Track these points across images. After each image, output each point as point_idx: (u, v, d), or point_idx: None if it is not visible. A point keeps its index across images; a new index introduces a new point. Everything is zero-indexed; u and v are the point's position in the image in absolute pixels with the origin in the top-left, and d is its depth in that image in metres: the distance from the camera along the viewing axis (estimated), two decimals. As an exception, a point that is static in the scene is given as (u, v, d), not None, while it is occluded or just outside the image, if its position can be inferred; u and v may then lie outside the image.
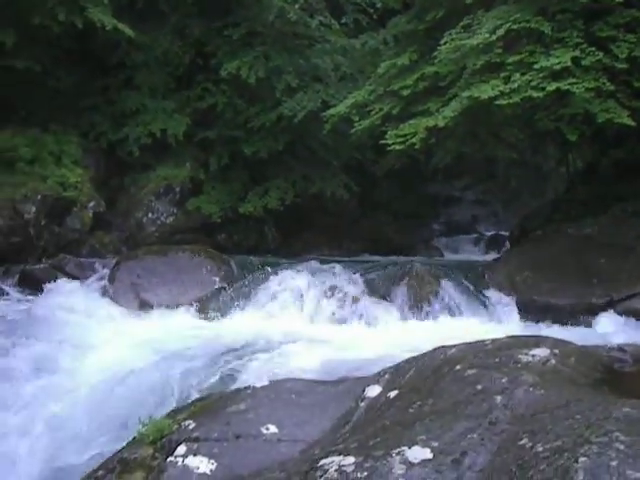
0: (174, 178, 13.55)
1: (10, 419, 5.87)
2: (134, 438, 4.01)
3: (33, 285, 9.82)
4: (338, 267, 9.96)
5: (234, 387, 5.36)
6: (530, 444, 3.34)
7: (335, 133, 12.82)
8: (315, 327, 8.76)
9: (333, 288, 9.45)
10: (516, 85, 8.47)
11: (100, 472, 3.76)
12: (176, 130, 13.41)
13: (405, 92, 10.41)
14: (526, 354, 4.47)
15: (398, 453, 3.33)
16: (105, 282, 9.94)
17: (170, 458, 3.65)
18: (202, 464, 3.66)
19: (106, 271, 10.33)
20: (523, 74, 8.54)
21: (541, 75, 8.36)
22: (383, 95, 11.06)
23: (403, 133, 9.92)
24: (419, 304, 9.33)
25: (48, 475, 5.12)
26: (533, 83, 8.35)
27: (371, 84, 11.51)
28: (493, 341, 4.92)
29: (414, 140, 9.69)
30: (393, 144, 9.98)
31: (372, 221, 15.99)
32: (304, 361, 6.19)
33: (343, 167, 14.72)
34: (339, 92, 13.56)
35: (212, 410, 4.24)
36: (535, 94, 8.28)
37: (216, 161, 13.88)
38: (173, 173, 13.63)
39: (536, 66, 8.39)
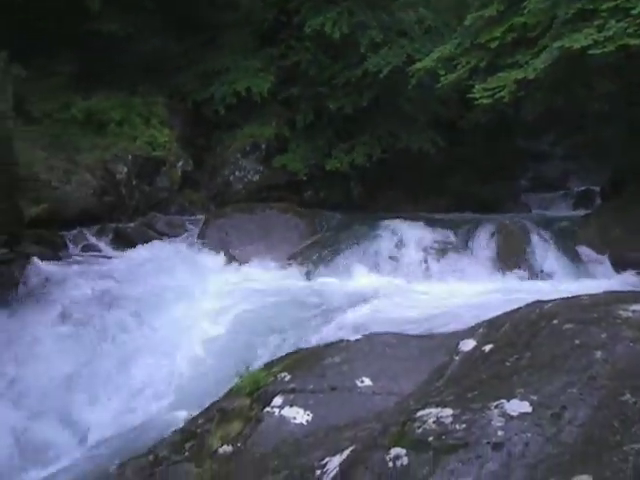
0: (260, 136, 13.63)
1: (117, 369, 6.12)
2: (232, 389, 4.11)
3: (126, 243, 10.09)
4: (426, 223, 9.89)
5: (327, 341, 5.41)
6: (633, 400, 3.26)
7: (421, 88, 12.61)
8: (405, 282, 8.76)
9: (421, 244, 9.40)
10: (611, 33, 8.15)
11: (200, 420, 3.87)
12: (261, 88, 13.43)
13: (493, 44, 10.18)
14: (625, 310, 4.34)
15: (496, 406, 3.30)
16: (195, 239, 10.15)
17: (267, 409, 3.72)
18: (298, 415, 3.72)
19: (195, 228, 10.54)
20: (618, 21, 8.20)
21: (638, 21, 8.01)
22: (470, 48, 10.83)
23: (491, 86, 9.72)
24: (508, 260, 9.20)
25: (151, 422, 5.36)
26: (630, 30, 8.02)
27: (457, 37, 11.28)
28: (590, 297, 4.80)
29: (502, 93, 9.49)
30: (480, 98, 9.80)
31: (458, 177, 15.74)
32: (397, 315, 6.21)
33: (429, 122, 14.50)
34: (424, 46, 13.29)
35: (307, 363, 4.30)
36: (632, 42, 7.95)
37: (301, 118, 13.87)
38: (259, 131, 13.70)
39: (633, 12, 8.05)
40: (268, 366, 4.28)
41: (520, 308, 4.83)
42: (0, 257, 7.63)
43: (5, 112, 8.92)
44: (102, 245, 10.13)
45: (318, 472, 3.11)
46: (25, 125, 11.10)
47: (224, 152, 13.56)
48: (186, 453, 3.62)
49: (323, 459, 3.23)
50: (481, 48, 10.49)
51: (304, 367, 4.24)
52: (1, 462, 5.39)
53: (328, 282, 8.78)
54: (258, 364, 4.35)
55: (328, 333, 6.27)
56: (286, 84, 13.95)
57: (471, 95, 9.97)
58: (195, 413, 4.08)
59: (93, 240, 10.22)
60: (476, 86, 9.97)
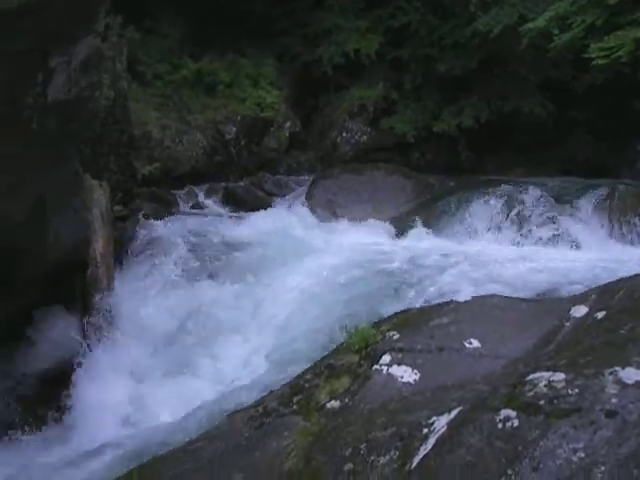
0: (367, 98, 13.57)
1: (229, 318, 6.34)
2: (340, 346, 4.16)
3: (235, 202, 10.30)
4: (535, 188, 9.65)
5: (432, 302, 5.40)
6: None
7: (533, 48, 12.24)
8: (512, 247, 8.62)
9: (530, 208, 9.19)
10: None
11: (308, 376, 3.94)
12: (369, 49, 13.35)
13: (611, 1, 9.76)
14: None
15: (610, 373, 3.21)
16: (302, 199, 10.24)
17: (375, 366, 3.74)
18: (406, 373, 3.73)
19: (302, 189, 10.64)
20: None
21: None
22: (586, 5, 10.41)
23: (608, 46, 9.36)
24: (622, 227, 8.90)
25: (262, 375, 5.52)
26: None
27: (572, -6, 10.87)
28: None
29: (620, 53, 9.13)
30: (596, 58, 9.46)
31: (570, 141, 15.24)
32: (505, 279, 6.13)
33: (540, 84, 14.08)
34: (537, 5, 12.83)
35: (415, 322, 4.30)
36: None
37: (409, 80, 13.72)
38: (366, 93, 13.64)
39: None
40: (377, 324, 4.30)
41: (637, 275, 4.67)
42: (115, 213, 7.91)
43: (120, 73, 9.18)
44: (211, 203, 10.39)
45: (425, 430, 3.11)
46: (139, 86, 11.41)
47: (332, 113, 13.58)
48: (294, 406, 3.69)
49: (430, 418, 3.24)
50: (598, 5, 10.08)
51: (412, 327, 4.24)
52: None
53: (433, 244, 8.73)
54: (365, 322, 4.37)
55: (433, 294, 6.25)
56: (394, 45, 13.81)
57: (586, 55, 9.61)
58: (303, 368, 4.16)
59: (203, 198, 10.50)
60: (592, 46, 9.61)
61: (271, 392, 3.97)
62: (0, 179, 5.57)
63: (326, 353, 4.20)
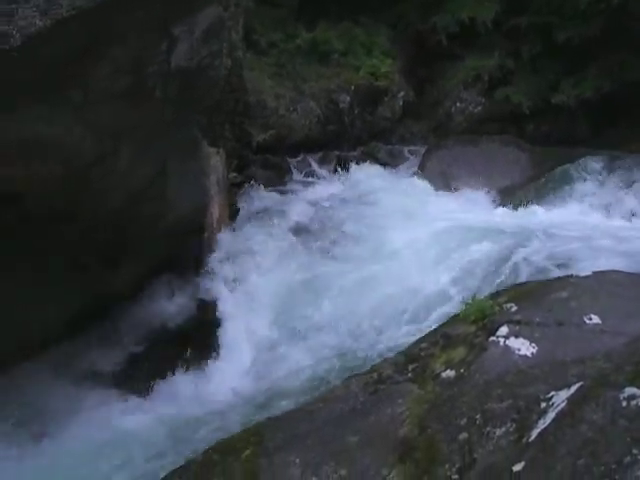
0: (482, 67, 13.25)
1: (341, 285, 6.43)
2: (456, 315, 4.15)
3: (347, 170, 10.32)
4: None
5: (547, 276, 5.30)
6: None
7: (660, 15, 11.67)
8: (628, 224, 8.33)
9: (646, 186, 8.85)
10: None
11: (423, 344, 3.95)
12: (485, 17, 13.01)
13: None
14: None
15: None
16: (415, 169, 10.18)
17: (492, 338, 3.72)
18: (523, 346, 3.68)
19: (416, 159, 10.57)
20: None
21: None
22: None
23: None
24: None
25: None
26: None
27: None
28: None
29: None
30: None
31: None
32: (622, 255, 5.94)
33: (668, 52, 13.42)
34: (667, -32, 12.22)
35: (532, 296, 4.23)
36: None
37: (527, 49, 13.29)
38: (482, 62, 13.32)
39: None
40: (493, 296, 4.26)
41: None
42: (231, 180, 8.08)
43: (236, 42, 9.31)
44: (324, 172, 10.45)
45: (544, 404, 3.08)
46: (253, 55, 11.54)
47: (446, 83, 13.36)
48: (409, 374, 3.71)
49: (549, 392, 3.19)
50: None
51: (530, 300, 4.18)
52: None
53: (547, 217, 8.53)
54: (478, 293, 4.34)
55: (548, 268, 6.13)
56: (512, 13, 13.42)
57: None
58: (418, 336, 4.17)
59: (315, 167, 10.57)
60: None
61: (385, 359, 4.00)
62: (125, 146, 5.78)
63: (441, 322, 4.19)
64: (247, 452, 3.28)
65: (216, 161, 7.31)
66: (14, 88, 4.76)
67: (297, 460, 3.14)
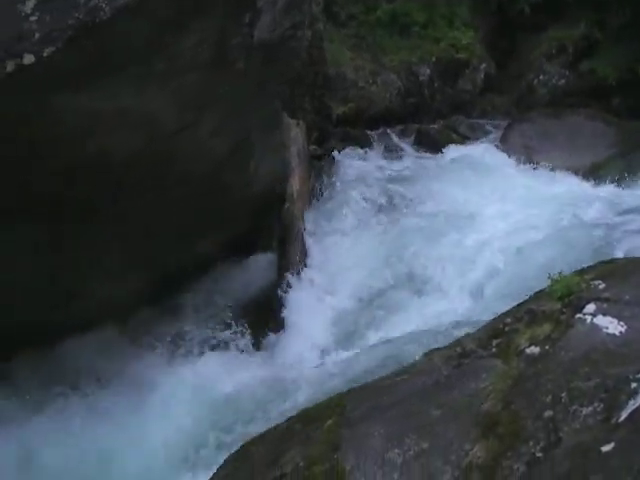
0: (567, 38, 12.89)
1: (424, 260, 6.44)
2: (542, 292, 4.07)
3: (428, 144, 10.23)
4: None
5: (638, 253, 5.16)
6: None
7: None
8: None
9: None
10: None
11: (508, 319, 3.89)
12: (571, -15, 12.65)
13: None
14: None
15: None
16: (496, 143, 10.02)
17: (578, 315, 3.63)
18: (611, 325, 3.59)
19: (497, 133, 10.39)
20: None
21: None
22: None
23: None
24: None
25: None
26: None
27: None
28: None
29: None
30: None
31: None
32: None
33: None
34: None
35: (622, 273, 4.11)
36: None
37: (614, 19, 12.87)
38: (566, 33, 12.96)
39: None
40: (580, 272, 4.16)
41: None
42: (311, 152, 8.09)
43: (316, 14, 9.27)
44: (404, 145, 10.38)
45: (634, 385, 3.00)
46: (333, 27, 11.48)
47: (528, 55, 13.04)
48: (493, 349, 3.66)
49: (639, 373, 3.12)
50: None
51: (619, 277, 4.06)
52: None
53: (635, 193, 8.28)
54: (566, 270, 4.23)
55: (637, 245, 5.96)
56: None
57: None
58: (502, 311, 4.11)
59: (396, 140, 10.51)
60: None
61: (468, 334, 3.96)
62: (209, 117, 5.84)
63: (525, 298, 4.12)
64: (329, 422, 3.30)
65: (296, 133, 7.33)
66: (104, 61, 4.85)
67: (379, 432, 3.14)
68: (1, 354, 5.62)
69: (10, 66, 4.57)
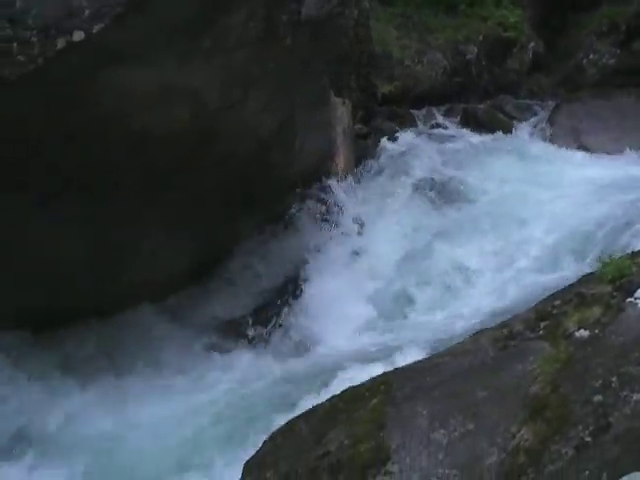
0: (619, 15, 12.57)
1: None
2: (592, 274, 4.00)
3: (474, 124, 10.09)
4: None
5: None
6: None
7: None
8: None
9: None
10: None
11: (556, 302, 3.84)
12: (624, -40, 12.34)
13: None
14: None
15: None
16: (544, 124, 9.85)
17: (629, 299, 3.56)
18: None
19: (545, 113, 10.22)
20: None
21: None
22: None
23: None
24: None
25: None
26: None
27: None
28: None
29: None
30: None
31: None
32: None
33: None
34: None
35: (674, 256, 4.04)
36: None
37: (669, -3, 12.55)
38: (618, 11, 12.65)
39: None
40: (633, 255, 4.08)
41: None
42: (356, 131, 8.05)
43: (360, -7, 9.20)
44: (450, 125, 10.25)
45: (686, 370, 2.95)
46: (379, 5, 11.38)
47: (578, 34, 12.77)
48: (540, 332, 3.61)
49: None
50: None
51: (672, 261, 3.98)
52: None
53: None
54: (618, 252, 4.16)
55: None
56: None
57: None
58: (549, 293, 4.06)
59: (441, 119, 10.39)
60: None
61: (516, 315, 3.91)
62: (255, 95, 5.85)
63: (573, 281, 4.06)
64: (374, 401, 3.29)
65: (342, 112, 7.30)
66: (150, 37, 4.87)
67: (425, 411, 3.13)
68: (50, 327, 5.73)
69: (60, 43, 4.61)
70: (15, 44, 4.58)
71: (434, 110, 10.53)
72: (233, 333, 6.23)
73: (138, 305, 6.05)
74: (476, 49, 11.51)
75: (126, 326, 5.92)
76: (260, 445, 3.56)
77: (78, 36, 4.64)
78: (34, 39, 4.60)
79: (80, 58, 4.71)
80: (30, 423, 5.22)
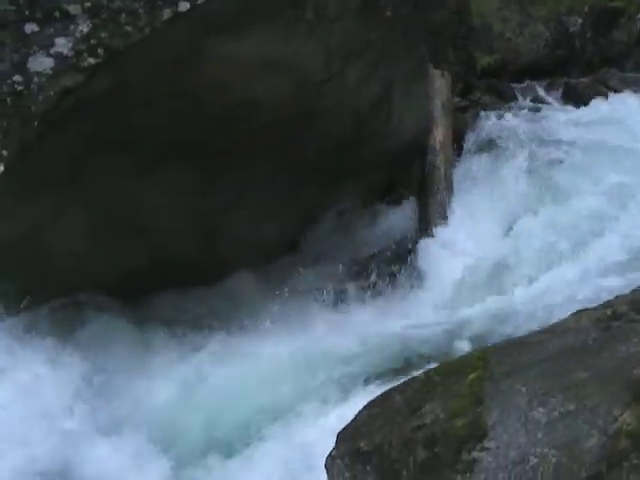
0: None
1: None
2: None
3: (576, 98, 9.78)
4: None
5: None
6: None
7: None
8: None
9: None
10: None
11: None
12: None
13: None
14: None
15: None
16: (653, 99, 9.46)
17: None
18: None
19: (654, 87, 9.83)
20: None
21: None
22: None
23: None
24: None
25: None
26: None
27: None
28: None
29: None
30: None
31: None
32: None
33: None
34: None
35: None
36: None
37: None
38: None
39: None
40: None
41: None
42: (454, 104, 7.94)
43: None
44: (551, 99, 9.97)
45: None
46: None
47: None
48: (646, 314, 3.53)
49: None
50: None
51: None
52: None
53: None
54: None
55: None
56: None
57: None
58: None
59: (542, 93, 10.11)
60: None
61: (620, 296, 3.81)
62: (356, 67, 5.87)
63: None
64: (472, 376, 3.27)
65: (441, 84, 7.20)
66: (255, 8, 4.94)
67: (524, 389, 3.08)
68: (150, 293, 5.90)
69: (166, 13, 4.72)
70: (123, 15, 4.73)
71: (535, 84, 10.26)
72: (328, 301, 6.26)
73: (236, 272, 6.13)
74: (580, 20, 11.12)
75: (225, 293, 6.04)
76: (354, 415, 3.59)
77: (183, 6, 4.74)
78: (141, 10, 4.74)
79: (185, 28, 4.82)
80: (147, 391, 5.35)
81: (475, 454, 2.95)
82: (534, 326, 4.32)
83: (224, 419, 4.95)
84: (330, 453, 3.53)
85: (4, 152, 4.93)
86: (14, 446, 4.67)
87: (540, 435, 2.90)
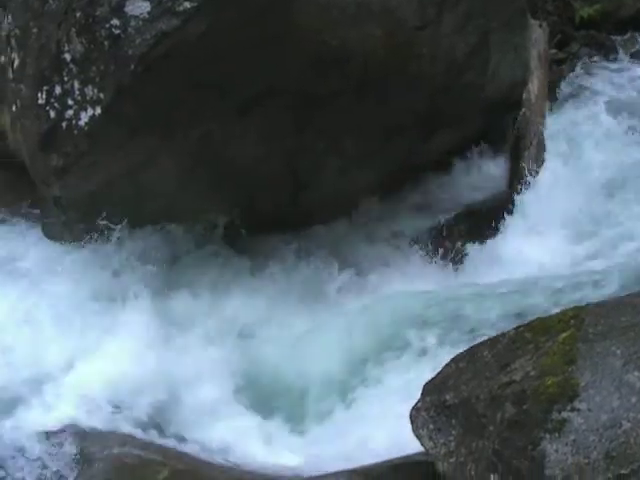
0: None
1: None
2: None
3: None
4: None
5: None
6: None
7: None
8: None
9: None
10: None
11: None
12: None
13: None
14: None
15: None
16: None
17: None
18: None
19: None
20: None
21: None
22: None
23: None
24: None
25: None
26: None
27: None
28: None
29: None
30: None
31: None
32: None
33: None
34: None
35: None
36: None
37: None
38: None
39: None
40: None
41: None
42: (551, 56, 7.69)
43: None
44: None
45: None
46: None
47: None
48: None
49: None
50: None
51: None
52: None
53: None
54: None
55: None
56: None
57: None
58: None
59: (645, 47, 9.69)
60: None
61: None
62: (451, 15, 5.80)
63: None
64: (564, 334, 3.20)
65: (538, 35, 6.97)
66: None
67: (618, 351, 3.01)
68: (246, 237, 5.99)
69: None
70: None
71: (638, 36, 9.81)
72: (420, 251, 6.23)
73: (330, 220, 6.19)
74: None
75: (319, 239, 6.10)
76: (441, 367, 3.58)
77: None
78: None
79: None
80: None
81: (565, 414, 2.90)
82: (633, 288, 4.18)
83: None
84: (415, 404, 3.54)
85: (101, 95, 5.04)
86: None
87: (634, 400, 2.84)
